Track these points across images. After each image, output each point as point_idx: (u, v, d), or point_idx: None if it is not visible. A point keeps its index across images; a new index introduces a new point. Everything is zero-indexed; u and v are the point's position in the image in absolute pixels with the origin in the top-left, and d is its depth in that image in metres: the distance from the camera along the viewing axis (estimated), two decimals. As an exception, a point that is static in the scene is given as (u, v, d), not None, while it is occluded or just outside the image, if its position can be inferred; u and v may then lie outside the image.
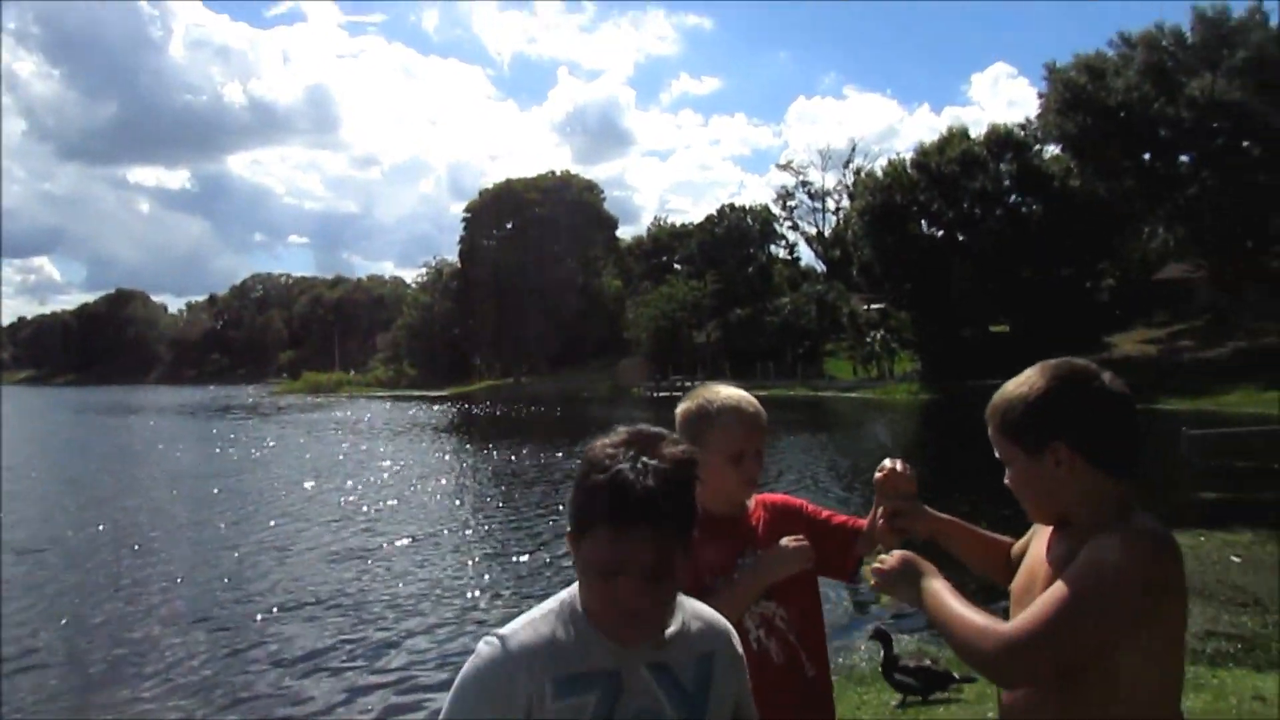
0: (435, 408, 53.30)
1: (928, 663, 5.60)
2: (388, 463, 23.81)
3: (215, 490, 18.80)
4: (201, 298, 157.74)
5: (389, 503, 17.09)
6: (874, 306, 57.85)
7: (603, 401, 54.22)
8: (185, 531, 14.49)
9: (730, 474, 1.98)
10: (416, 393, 73.54)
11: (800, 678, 1.98)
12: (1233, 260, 45.76)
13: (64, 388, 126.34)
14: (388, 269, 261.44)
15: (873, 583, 1.73)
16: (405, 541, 13.44)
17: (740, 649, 1.51)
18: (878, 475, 1.97)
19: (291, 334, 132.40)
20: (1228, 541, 10.83)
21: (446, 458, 26.23)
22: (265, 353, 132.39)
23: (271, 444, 30.87)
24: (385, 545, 13.25)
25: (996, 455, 1.71)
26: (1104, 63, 46.78)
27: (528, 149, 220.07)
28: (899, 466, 1.95)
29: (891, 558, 1.72)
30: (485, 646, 1.32)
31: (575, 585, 1.39)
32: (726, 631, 1.49)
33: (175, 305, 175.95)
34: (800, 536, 1.94)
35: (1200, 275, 48.93)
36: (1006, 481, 1.71)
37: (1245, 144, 43.79)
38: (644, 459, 1.30)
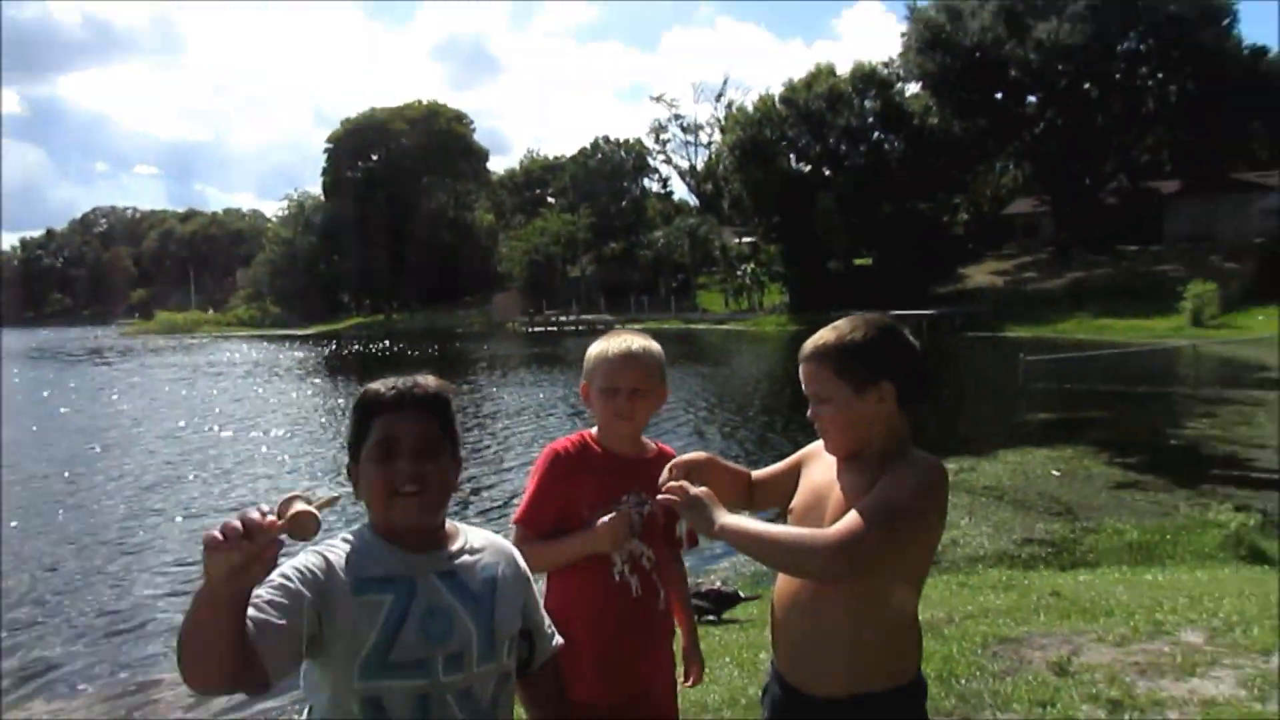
0: (304, 348, 51.39)
1: (717, 585, 6.16)
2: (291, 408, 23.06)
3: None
4: (38, 232, 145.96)
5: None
6: (745, 240, 59.07)
7: (477, 337, 53.70)
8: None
9: (603, 406, 2.28)
10: (281, 331, 70.76)
11: (653, 609, 2.28)
12: (1072, 196, 48.90)
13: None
14: (246, 201, 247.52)
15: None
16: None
17: (525, 567, 1.80)
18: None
19: (141, 271, 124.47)
20: (1051, 457, 11.90)
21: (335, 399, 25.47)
22: (112, 291, 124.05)
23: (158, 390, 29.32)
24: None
25: (808, 391, 1.94)
26: (962, 3, 48.47)
27: (396, 76, 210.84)
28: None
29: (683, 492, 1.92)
30: (306, 556, 1.57)
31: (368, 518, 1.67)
32: (510, 551, 1.79)
33: (9, 241, 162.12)
34: (613, 516, 2.19)
35: (1044, 210, 52.14)
36: (811, 415, 1.95)
37: (1086, 86, 46.49)
38: (404, 379, 1.66)
